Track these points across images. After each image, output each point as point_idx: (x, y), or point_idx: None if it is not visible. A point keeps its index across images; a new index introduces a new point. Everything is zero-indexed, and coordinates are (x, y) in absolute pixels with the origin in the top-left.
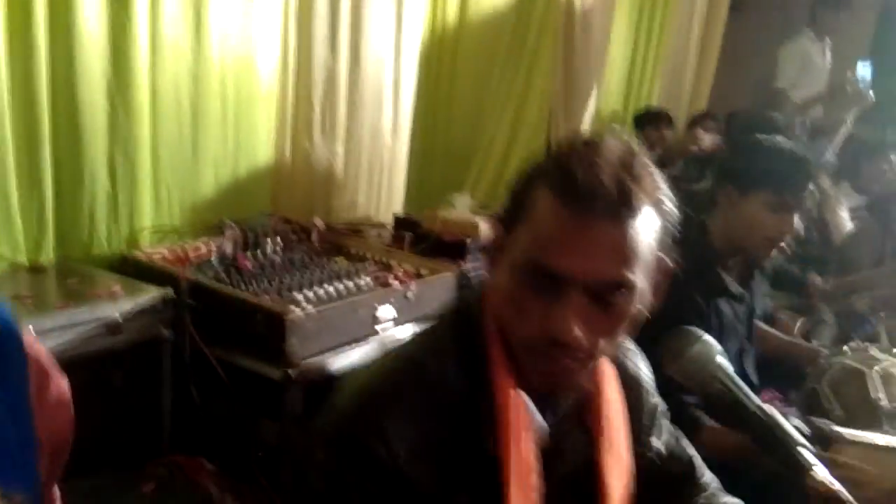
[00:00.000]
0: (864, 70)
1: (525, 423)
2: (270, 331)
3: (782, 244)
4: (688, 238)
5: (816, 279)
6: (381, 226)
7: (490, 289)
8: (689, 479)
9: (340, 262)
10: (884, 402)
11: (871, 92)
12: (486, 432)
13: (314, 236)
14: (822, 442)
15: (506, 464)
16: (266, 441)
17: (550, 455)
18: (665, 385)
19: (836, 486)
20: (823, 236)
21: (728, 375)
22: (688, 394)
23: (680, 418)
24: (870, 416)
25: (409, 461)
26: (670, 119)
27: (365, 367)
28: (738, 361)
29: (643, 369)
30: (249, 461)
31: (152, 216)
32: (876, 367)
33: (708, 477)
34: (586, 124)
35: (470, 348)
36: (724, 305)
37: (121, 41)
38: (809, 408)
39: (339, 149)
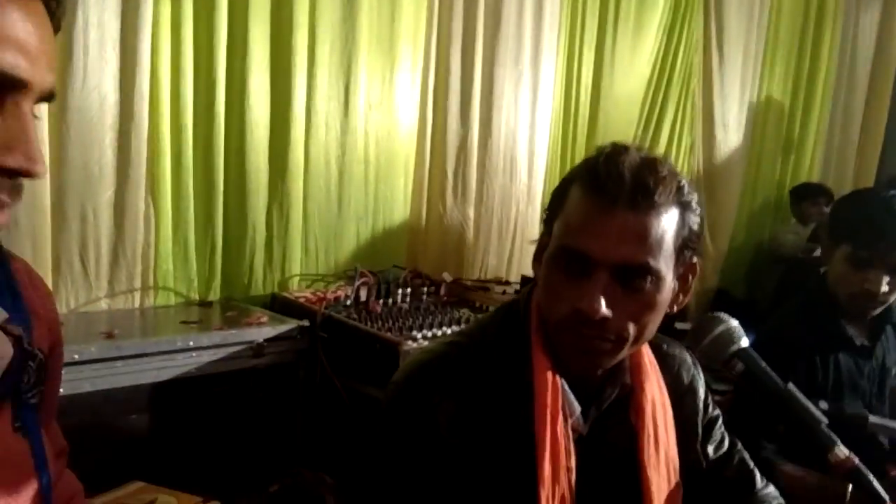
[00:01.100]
0: None
1: (561, 405)
2: (387, 360)
3: (881, 300)
4: (807, 289)
5: None
6: (508, 284)
7: (536, 285)
8: (748, 489)
9: (463, 312)
10: None
11: None
12: (524, 411)
13: (442, 289)
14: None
15: (540, 441)
16: None
17: (590, 444)
18: (743, 432)
19: (856, 460)
20: None
21: (751, 357)
22: (767, 440)
23: (755, 458)
24: None
25: (450, 431)
26: (831, 195)
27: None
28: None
29: (700, 382)
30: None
31: (301, 264)
32: None
33: (772, 490)
34: (733, 196)
35: (514, 336)
36: (844, 358)
37: (281, 115)
38: None
39: (471, 212)
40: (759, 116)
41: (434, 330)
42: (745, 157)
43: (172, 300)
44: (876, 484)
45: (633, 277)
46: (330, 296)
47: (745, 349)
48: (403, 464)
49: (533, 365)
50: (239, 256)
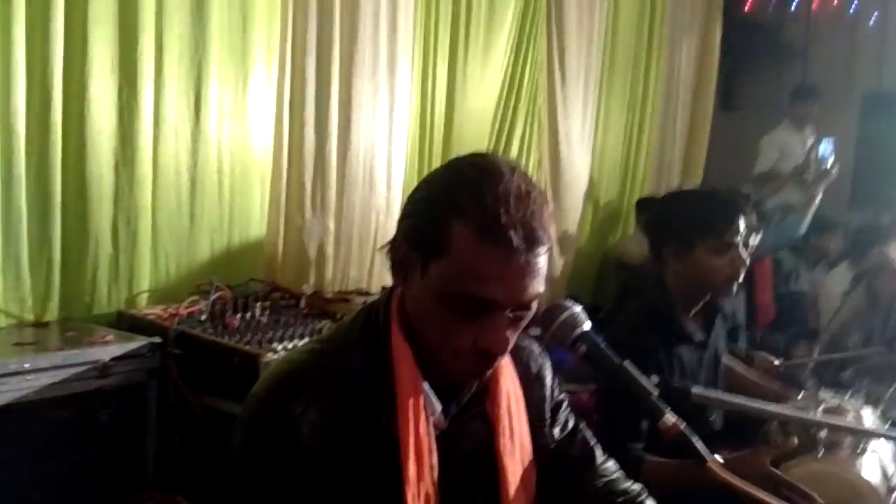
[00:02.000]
0: (825, 148)
1: (422, 407)
2: (247, 373)
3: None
4: (646, 294)
5: (799, 350)
6: (370, 294)
7: (406, 301)
8: (590, 464)
9: (324, 324)
10: (822, 432)
11: (833, 168)
12: (387, 414)
13: (302, 302)
14: (680, 396)
15: (404, 443)
16: None
17: (450, 439)
18: (611, 432)
19: (682, 425)
20: (813, 311)
21: (592, 339)
22: (633, 441)
23: (624, 459)
24: (808, 444)
25: (312, 440)
26: None
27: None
28: (700, 406)
29: (547, 370)
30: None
31: (150, 279)
32: (821, 408)
33: (611, 464)
34: (579, 208)
35: (374, 341)
36: (686, 351)
37: (127, 121)
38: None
39: (331, 224)
40: (600, 133)
41: (295, 341)
42: (587, 172)
43: (3, 322)
44: (699, 445)
45: (526, 307)
46: (183, 311)
47: (587, 332)
48: (266, 479)
49: (394, 368)
50: (80, 273)
